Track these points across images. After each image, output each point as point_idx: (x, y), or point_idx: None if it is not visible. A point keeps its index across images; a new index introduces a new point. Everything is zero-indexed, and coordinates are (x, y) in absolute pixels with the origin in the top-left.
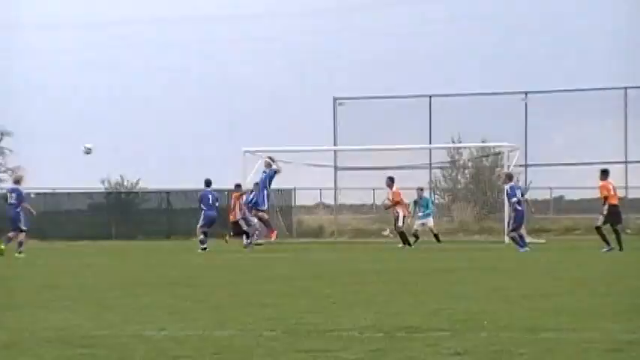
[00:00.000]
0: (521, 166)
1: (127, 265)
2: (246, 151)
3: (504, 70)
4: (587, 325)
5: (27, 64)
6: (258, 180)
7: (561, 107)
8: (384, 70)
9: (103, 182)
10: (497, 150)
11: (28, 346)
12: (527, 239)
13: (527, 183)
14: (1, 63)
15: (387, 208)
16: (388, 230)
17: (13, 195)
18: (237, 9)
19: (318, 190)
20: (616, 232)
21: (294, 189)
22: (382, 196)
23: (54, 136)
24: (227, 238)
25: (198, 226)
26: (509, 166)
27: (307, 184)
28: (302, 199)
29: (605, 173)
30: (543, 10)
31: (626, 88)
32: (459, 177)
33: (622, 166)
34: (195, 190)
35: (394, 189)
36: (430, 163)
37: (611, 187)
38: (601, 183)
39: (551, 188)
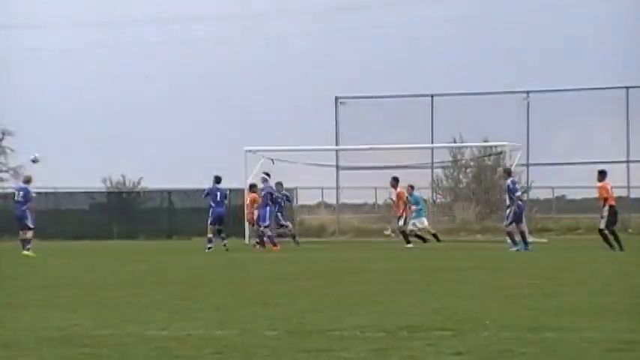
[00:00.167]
0: (523, 165)
1: (128, 265)
2: (247, 151)
3: (506, 70)
4: (589, 324)
5: (27, 64)
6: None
7: (563, 107)
8: (386, 70)
9: (104, 182)
10: (499, 149)
11: (28, 345)
12: (530, 239)
13: (529, 183)
14: (2, 62)
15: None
16: (390, 229)
17: (21, 193)
18: (238, 9)
19: (320, 190)
20: (613, 232)
21: (296, 188)
22: (384, 196)
23: (55, 135)
24: (256, 246)
25: (208, 222)
26: (511, 165)
27: (309, 183)
28: (304, 198)
29: (602, 174)
30: (545, 10)
31: (628, 87)
32: (461, 176)
33: (624, 165)
34: (197, 190)
35: (398, 189)
36: (432, 163)
37: (609, 187)
38: (600, 184)
39: (553, 188)
